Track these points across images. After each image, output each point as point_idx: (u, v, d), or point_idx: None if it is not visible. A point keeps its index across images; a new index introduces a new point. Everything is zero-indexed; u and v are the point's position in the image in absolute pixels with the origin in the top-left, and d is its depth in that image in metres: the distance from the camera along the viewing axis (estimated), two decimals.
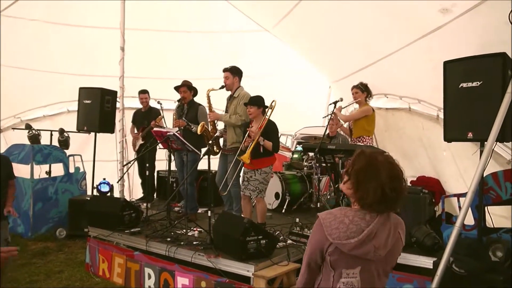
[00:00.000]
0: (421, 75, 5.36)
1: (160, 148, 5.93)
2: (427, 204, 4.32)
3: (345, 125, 6.22)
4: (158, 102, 6.50)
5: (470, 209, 3.49)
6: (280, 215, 6.06)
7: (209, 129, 5.48)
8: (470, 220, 3.86)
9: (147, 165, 6.10)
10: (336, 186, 5.83)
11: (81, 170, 6.91)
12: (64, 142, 6.98)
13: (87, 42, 7.49)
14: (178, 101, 5.78)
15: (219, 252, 4.00)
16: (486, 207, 3.81)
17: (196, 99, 5.80)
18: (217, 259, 3.96)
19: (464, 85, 3.57)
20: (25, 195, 6.21)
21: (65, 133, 6.99)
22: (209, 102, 5.38)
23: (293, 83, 8.46)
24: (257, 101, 4.73)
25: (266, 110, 4.75)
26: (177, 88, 5.71)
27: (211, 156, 4.81)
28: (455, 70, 3.69)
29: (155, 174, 7.25)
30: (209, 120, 5.46)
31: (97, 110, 6.36)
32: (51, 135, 6.99)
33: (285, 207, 6.25)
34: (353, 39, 5.96)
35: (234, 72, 5.20)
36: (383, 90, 6.39)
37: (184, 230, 4.76)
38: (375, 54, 5.88)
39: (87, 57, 7.66)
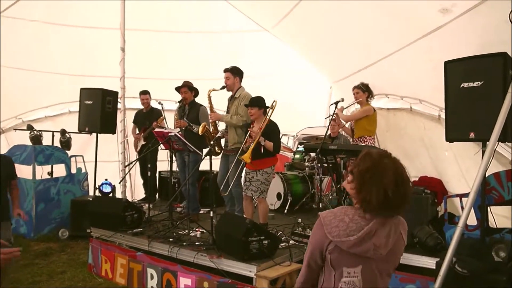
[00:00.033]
0: (421, 75, 5.37)
1: (161, 149, 5.94)
2: (430, 204, 4.31)
3: (347, 125, 6.22)
4: (159, 103, 6.50)
5: (472, 209, 3.49)
6: (282, 215, 6.06)
7: (211, 130, 5.47)
8: (472, 220, 3.87)
9: (149, 165, 6.11)
10: (338, 186, 5.83)
11: (83, 170, 6.93)
12: (66, 143, 6.99)
13: (87, 42, 7.50)
14: (179, 101, 5.78)
15: (221, 253, 4.01)
16: (488, 207, 3.82)
17: (197, 99, 5.81)
18: (219, 259, 3.96)
19: (465, 85, 3.58)
20: (27, 196, 6.22)
21: (66, 134, 7.00)
22: (210, 103, 5.38)
23: (293, 83, 8.47)
24: (258, 102, 4.73)
25: (267, 110, 4.76)
26: (178, 89, 5.71)
27: (213, 157, 4.82)
28: (456, 70, 3.69)
29: (157, 174, 7.27)
30: (210, 120, 5.46)
31: (99, 110, 6.35)
32: (53, 136, 7.00)
33: (287, 207, 6.25)
34: (354, 39, 5.96)
35: (235, 73, 5.19)
36: (384, 90, 6.39)
37: (186, 231, 4.76)
38: (375, 54, 5.88)
39: (87, 57, 7.66)
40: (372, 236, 1.65)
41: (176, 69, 7.64)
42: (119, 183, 6.71)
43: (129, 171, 6.28)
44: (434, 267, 3.59)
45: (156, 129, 5.84)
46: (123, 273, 4.60)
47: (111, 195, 6.53)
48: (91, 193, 6.70)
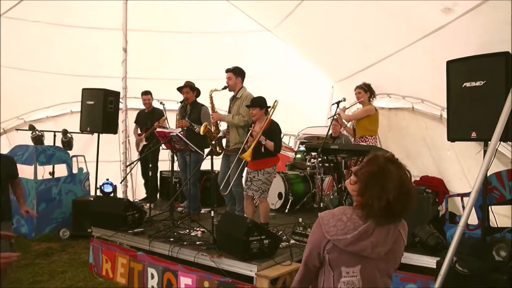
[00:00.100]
0: (423, 74, 5.36)
1: (163, 149, 5.95)
2: (431, 204, 4.31)
3: (349, 125, 6.21)
4: (161, 103, 6.51)
5: (473, 208, 3.48)
6: (283, 215, 6.06)
7: (212, 130, 5.48)
8: (473, 220, 3.86)
9: (150, 165, 6.11)
10: (339, 186, 5.83)
11: (84, 170, 6.94)
12: (68, 143, 7.00)
13: (89, 43, 7.51)
14: (181, 102, 5.79)
15: (222, 252, 4.01)
16: (489, 207, 3.81)
17: (198, 99, 5.81)
18: (220, 259, 3.96)
19: (467, 84, 3.57)
20: (28, 196, 6.23)
21: (68, 134, 7.02)
22: (211, 103, 5.38)
23: (294, 83, 8.46)
24: (260, 103, 4.73)
25: (269, 110, 4.76)
26: (179, 89, 5.72)
27: (214, 157, 4.82)
28: (458, 70, 3.69)
29: (158, 174, 7.28)
30: (212, 120, 5.46)
31: (100, 111, 6.37)
32: (55, 136, 7.02)
33: (288, 207, 6.25)
34: (355, 39, 5.96)
35: (237, 73, 5.20)
36: (386, 90, 6.38)
37: (187, 230, 4.76)
38: (377, 54, 5.88)
39: (89, 58, 7.67)
40: (370, 235, 1.65)
41: (178, 69, 7.65)
42: (121, 183, 6.70)
43: (130, 171, 6.28)
44: (435, 267, 3.58)
45: (158, 129, 5.84)
46: (124, 272, 4.60)
47: (112, 195, 6.54)
48: (92, 193, 6.71)
